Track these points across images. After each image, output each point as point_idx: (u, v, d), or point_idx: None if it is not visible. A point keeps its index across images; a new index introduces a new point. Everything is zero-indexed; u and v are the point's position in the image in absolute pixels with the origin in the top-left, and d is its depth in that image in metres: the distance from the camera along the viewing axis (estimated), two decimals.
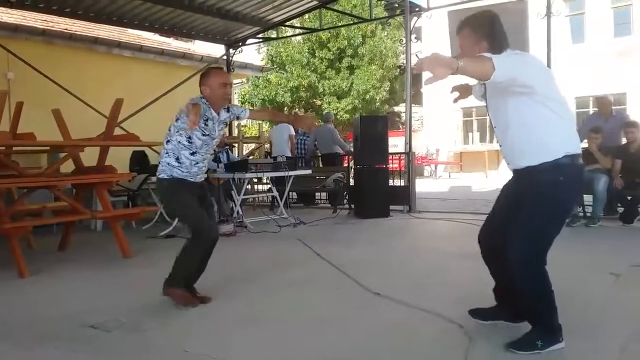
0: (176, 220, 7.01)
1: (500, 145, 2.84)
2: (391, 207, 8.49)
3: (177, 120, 3.63)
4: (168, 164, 3.65)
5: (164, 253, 5.85)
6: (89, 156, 5.88)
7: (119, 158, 6.87)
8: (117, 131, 7.04)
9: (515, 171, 2.84)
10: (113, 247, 5.69)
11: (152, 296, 4.08)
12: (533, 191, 2.70)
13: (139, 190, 7.59)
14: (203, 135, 3.64)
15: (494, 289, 3.10)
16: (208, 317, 3.50)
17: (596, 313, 3.42)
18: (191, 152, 3.64)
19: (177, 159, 3.63)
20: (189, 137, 3.61)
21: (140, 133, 6.17)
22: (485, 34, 2.73)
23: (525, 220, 2.69)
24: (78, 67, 9.11)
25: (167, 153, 3.66)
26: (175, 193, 3.69)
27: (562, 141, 2.66)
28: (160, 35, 11.30)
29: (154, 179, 6.88)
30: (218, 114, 3.72)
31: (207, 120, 3.62)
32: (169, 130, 3.69)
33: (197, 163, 3.70)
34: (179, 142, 3.62)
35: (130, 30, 10.76)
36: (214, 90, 3.63)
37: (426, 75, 2.28)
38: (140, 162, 7.54)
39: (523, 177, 2.76)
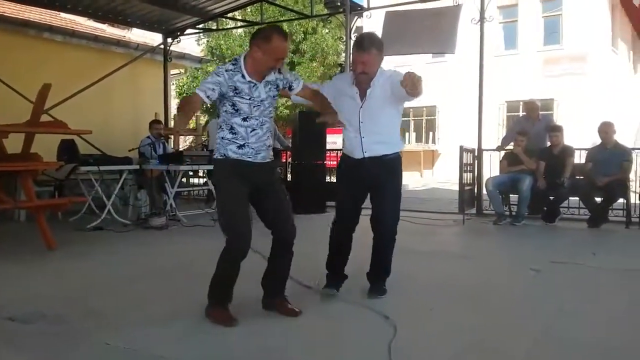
0: (105, 212, 6.81)
1: (363, 137, 3.53)
2: (328, 203, 8.56)
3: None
4: (222, 138, 3.12)
5: (89, 246, 5.71)
6: (15, 143, 5.61)
7: (47, 146, 6.59)
8: (46, 119, 6.76)
9: (370, 158, 3.54)
10: (37, 238, 5.45)
11: (75, 288, 3.97)
12: (391, 173, 3.60)
13: (67, 180, 7.31)
14: (243, 99, 3.07)
15: (336, 266, 3.80)
16: (133, 310, 3.42)
17: (515, 306, 3.59)
18: (243, 117, 3.09)
19: (231, 130, 3.09)
20: (233, 104, 3.08)
21: (73, 121, 5.93)
22: (382, 52, 3.48)
23: (393, 195, 3.60)
24: (6, 51, 8.62)
25: (220, 127, 3.16)
26: (223, 179, 3.15)
27: (400, 138, 3.75)
28: (95, 21, 10.90)
29: (82, 168, 6.71)
30: (261, 80, 3.12)
31: (236, 89, 3.05)
32: (217, 106, 3.22)
33: (254, 130, 3.10)
34: (225, 111, 3.11)
35: (63, 14, 10.32)
36: (266, 60, 3.05)
37: None
38: (68, 151, 7.25)
39: (379, 163, 3.54)
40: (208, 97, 2.98)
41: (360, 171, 3.58)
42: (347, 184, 3.67)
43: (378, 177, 3.56)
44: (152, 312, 3.38)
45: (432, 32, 7.92)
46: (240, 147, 3.10)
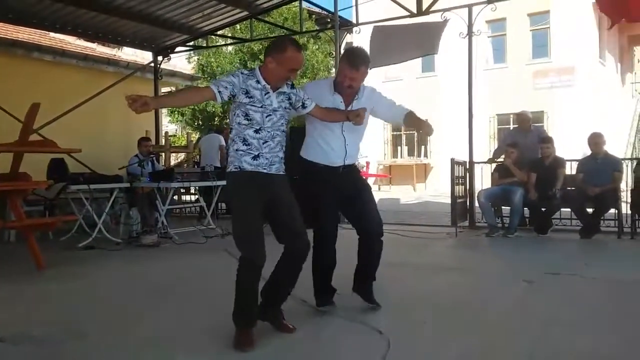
0: (96, 231, 6.75)
1: (347, 144, 3.63)
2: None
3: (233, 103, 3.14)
4: (236, 150, 3.10)
5: (81, 265, 5.65)
6: (4, 163, 5.57)
7: (37, 165, 6.55)
8: (36, 138, 6.72)
9: (346, 166, 3.65)
10: (27, 258, 5.39)
11: (66, 309, 3.93)
12: (363, 179, 3.84)
13: (57, 199, 7.25)
14: (254, 106, 3.07)
15: (326, 280, 3.72)
16: (127, 331, 3.38)
17: (508, 317, 3.57)
18: (255, 129, 3.08)
19: (244, 141, 3.08)
20: (246, 114, 3.07)
21: (63, 140, 5.90)
22: (368, 66, 3.57)
23: (372, 199, 3.70)
24: None
25: (233, 141, 3.14)
26: (238, 192, 3.12)
27: None
28: (85, 40, 10.92)
29: (73, 187, 6.66)
30: (274, 90, 3.14)
31: (248, 92, 3.06)
32: (230, 119, 3.23)
33: (267, 142, 3.10)
34: (239, 123, 3.10)
35: (52, 34, 10.33)
36: (280, 71, 3.07)
37: None
38: (58, 170, 7.22)
39: (352, 170, 3.73)
40: (219, 92, 3.01)
41: (337, 179, 3.62)
42: (327, 192, 3.59)
43: (354, 184, 3.69)
44: (144, 331, 3.34)
45: (416, 40, 8.06)
46: (255, 157, 3.10)
